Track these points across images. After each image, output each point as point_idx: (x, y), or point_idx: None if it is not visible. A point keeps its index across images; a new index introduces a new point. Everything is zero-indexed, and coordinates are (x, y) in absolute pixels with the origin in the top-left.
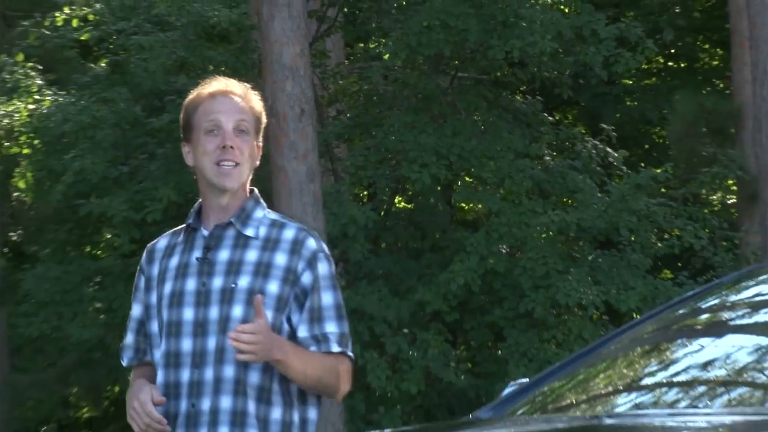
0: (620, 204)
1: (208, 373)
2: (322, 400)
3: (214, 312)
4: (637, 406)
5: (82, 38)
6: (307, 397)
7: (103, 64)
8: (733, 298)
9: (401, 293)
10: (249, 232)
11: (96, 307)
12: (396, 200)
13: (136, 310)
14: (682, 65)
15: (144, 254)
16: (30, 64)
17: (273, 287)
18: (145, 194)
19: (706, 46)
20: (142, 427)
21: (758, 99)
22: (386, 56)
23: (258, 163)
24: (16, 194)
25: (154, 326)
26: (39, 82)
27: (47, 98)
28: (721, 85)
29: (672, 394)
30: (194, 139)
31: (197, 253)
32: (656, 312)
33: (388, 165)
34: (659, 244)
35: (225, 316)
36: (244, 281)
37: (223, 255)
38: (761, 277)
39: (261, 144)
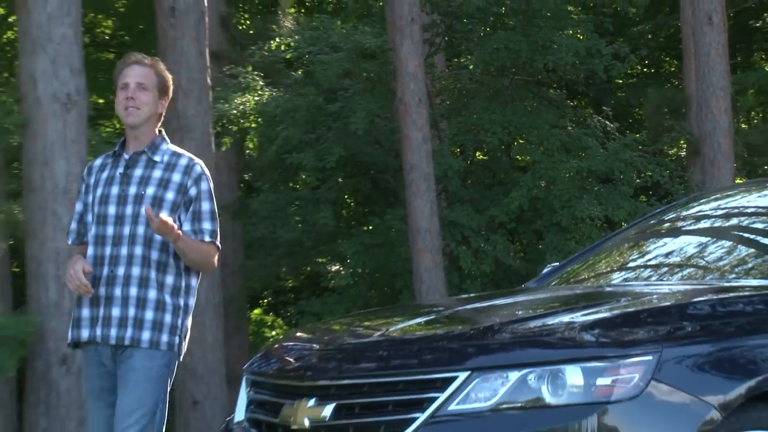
0: (614, 156)
1: (123, 251)
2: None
3: (129, 210)
4: (626, 280)
5: (287, 57)
6: (191, 270)
7: (299, 72)
8: (684, 213)
9: (480, 211)
10: (156, 158)
11: (296, 219)
12: (477, 154)
13: (78, 206)
14: (652, 70)
15: (85, 169)
16: (255, 72)
17: (170, 195)
18: (324, 151)
19: (668, 59)
20: (74, 288)
21: (699, 92)
22: (471, 66)
23: (163, 111)
24: (247, 151)
25: (89, 217)
26: (261, 83)
27: (266, 93)
28: (677, 83)
29: (647, 272)
30: (116, 93)
31: (120, 170)
32: (636, 222)
33: (472, 133)
34: (638, 180)
35: (136, 213)
36: (150, 190)
37: (138, 172)
38: (702, 200)
39: (166, 102)
